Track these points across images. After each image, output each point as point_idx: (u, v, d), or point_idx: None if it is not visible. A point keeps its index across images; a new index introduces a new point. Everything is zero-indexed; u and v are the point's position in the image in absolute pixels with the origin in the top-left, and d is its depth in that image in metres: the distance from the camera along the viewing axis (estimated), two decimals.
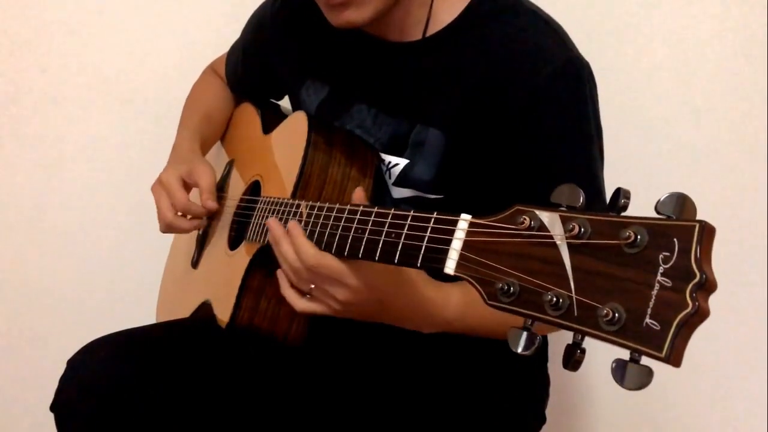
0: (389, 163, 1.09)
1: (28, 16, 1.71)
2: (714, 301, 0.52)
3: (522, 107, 0.98)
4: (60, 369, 1.08)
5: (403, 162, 1.08)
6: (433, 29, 1.06)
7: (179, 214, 1.21)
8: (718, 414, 1.56)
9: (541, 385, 1.21)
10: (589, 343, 0.58)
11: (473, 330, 1.00)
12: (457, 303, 0.96)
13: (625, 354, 0.55)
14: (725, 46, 1.45)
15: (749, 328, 1.49)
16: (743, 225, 1.46)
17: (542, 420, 1.20)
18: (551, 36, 1.03)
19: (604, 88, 1.05)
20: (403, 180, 1.08)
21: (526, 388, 1.19)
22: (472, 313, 0.96)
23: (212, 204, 1.21)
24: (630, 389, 0.55)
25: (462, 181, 1.05)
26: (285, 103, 1.34)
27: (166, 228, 1.22)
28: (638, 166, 1.49)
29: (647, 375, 0.54)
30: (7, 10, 1.70)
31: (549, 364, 1.22)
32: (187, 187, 1.22)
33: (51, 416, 1.07)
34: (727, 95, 1.46)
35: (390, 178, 1.09)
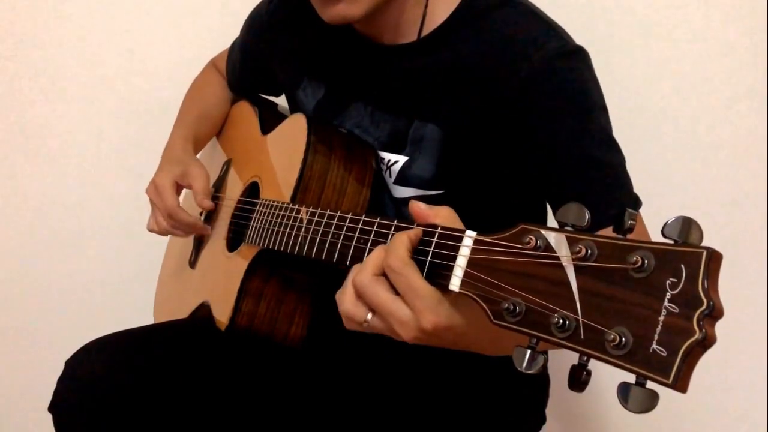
0: (389, 161, 1.08)
1: (28, 15, 1.70)
2: None
3: (516, 93, 0.96)
4: (58, 370, 1.08)
5: (402, 159, 1.07)
6: (427, 29, 1.05)
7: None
8: (717, 414, 1.57)
9: (541, 385, 1.22)
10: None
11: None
12: None
13: (630, 376, 0.55)
14: (726, 45, 1.44)
15: (749, 329, 1.49)
16: (743, 225, 1.47)
17: (542, 420, 1.21)
18: (543, 26, 1.00)
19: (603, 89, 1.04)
20: (403, 178, 1.08)
21: (525, 388, 1.19)
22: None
23: (208, 203, 1.23)
24: (634, 412, 0.55)
25: (462, 175, 1.04)
26: (283, 101, 1.33)
27: (161, 231, 1.25)
28: (637, 166, 1.49)
29: (652, 399, 0.54)
30: (8, 9, 1.69)
31: (549, 365, 1.22)
32: (179, 188, 1.24)
33: (49, 417, 1.07)
34: (727, 96, 1.45)
35: (390, 176, 1.09)
